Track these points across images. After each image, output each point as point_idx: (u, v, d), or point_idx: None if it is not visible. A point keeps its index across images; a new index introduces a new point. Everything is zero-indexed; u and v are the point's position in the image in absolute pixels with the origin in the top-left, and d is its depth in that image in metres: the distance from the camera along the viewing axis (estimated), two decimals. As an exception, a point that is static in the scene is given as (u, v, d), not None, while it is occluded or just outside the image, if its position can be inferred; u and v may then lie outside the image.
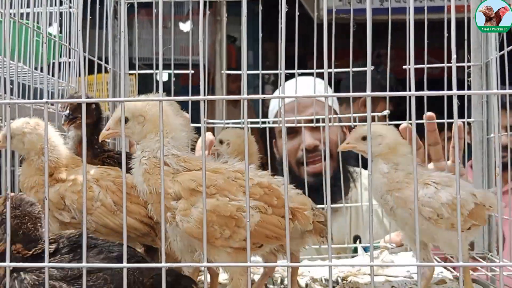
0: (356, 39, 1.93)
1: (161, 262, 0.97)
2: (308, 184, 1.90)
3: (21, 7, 1.75)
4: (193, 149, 1.34)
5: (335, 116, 2.32)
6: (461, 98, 1.94)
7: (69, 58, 1.95)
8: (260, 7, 1.94)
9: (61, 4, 1.91)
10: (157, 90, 1.59)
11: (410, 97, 0.94)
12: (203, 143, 1.14)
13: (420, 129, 1.73)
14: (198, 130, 1.36)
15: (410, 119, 1.27)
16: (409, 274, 1.67)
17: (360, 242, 2.07)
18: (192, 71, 1.85)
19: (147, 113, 1.12)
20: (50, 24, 1.93)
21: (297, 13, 1.93)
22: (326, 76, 0.95)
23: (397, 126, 1.92)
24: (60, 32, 1.90)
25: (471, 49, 1.93)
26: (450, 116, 1.76)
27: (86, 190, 1.01)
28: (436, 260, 1.92)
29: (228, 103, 2.37)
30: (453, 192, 1.24)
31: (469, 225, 1.30)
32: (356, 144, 1.35)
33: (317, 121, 2.36)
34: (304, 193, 1.29)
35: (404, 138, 1.46)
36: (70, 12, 1.93)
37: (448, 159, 1.86)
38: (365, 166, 1.71)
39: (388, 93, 1.08)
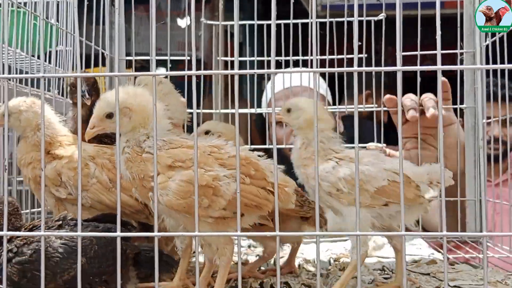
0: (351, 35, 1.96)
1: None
2: None
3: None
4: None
5: (331, 108, 2.35)
6: (453, 84, 2.00)
7: (66, 46, 1.98)
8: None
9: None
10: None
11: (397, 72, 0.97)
12: (195, 129, 1.14)
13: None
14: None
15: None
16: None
17: None
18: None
19: (133, 104, 1.11)
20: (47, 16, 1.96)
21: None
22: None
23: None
24: (57, 20, 1.93)
25: (464, 36, 1.96)
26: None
27: (81, 166, 1.03)
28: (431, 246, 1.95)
29: (225, 98, 2.40)
30: (360, 167, 1.14)
31: (380, 203, 1.22)
32: (283, 116, 1.35)
33: None
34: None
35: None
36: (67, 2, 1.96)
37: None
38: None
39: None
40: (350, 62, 2.03)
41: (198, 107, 2.02)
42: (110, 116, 1.12)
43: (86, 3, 1.80)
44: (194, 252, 1.42)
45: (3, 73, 1.46)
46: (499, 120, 2.45)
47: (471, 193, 1.96)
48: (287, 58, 2.01)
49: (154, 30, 0.95)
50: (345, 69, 0.97)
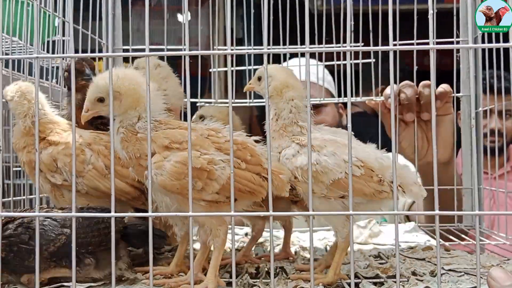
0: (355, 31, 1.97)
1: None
2: None
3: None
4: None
5: (331, 100, 2.36)
6: (450, 73, 2.00)
7: (63, 36, 1.98)
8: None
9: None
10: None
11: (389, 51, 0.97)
12: (188, 110, 1.14)
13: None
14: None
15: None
16: (397, 242, 1.69)
17: None
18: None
19: (121, 87, 1.11)
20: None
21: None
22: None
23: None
24: (55, 10, 1.93)
25: (460, 25, 1.96)
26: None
27: (77, 152, 1.04)
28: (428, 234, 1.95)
29: (225, 93, 2.40)
30: (318, 158, 1.17)
31: (336, 195, 1.18)
32: (254, 84, 1.33)
33: (315, 104, 2.39)
34: None
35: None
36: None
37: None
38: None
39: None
40: (356, 56, 2.04)
41: (196, 98, 2.03)
42: (101, 100, 1.14)
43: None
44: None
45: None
46: (495, 111, 2.47)
47: (467, 182, 1.97)
48: (285, 48, 2.00)
49: (147, 9, 0.95)
50: (339, 48, 0.97)
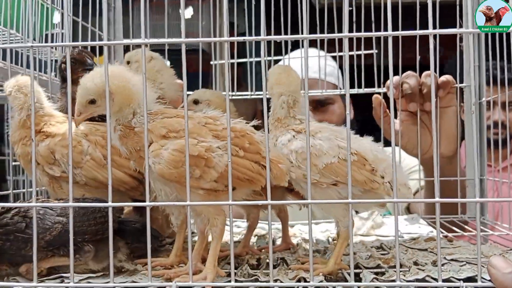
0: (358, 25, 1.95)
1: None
2: None
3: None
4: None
5: (336, 92, 2.34)
6: (453, 63, 1.99)
7: (62, 29, 1.98)
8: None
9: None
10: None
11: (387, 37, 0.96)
12: (185, 95, 1.13)
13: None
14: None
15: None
16: (399, 234, 1.68)
17: None
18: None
19: (111, 86, 1.08)
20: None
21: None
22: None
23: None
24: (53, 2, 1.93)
25: (463, 14, 1.94)
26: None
27: (74, 143, 1.03)
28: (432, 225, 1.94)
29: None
30: (313, 141, 1.17)
31: (328, 181, 1.18)
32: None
33: (322, 102, 2.38)
34: None
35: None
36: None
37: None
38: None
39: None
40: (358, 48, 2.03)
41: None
42: (93, 101, 1.13)
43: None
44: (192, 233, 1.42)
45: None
46: (499, 103, 2.45)
47: (471, 173, 1.96)
48: (283, 36, 1.99)
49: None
50: (337, 35, 0.96)
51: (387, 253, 1.42)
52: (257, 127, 1.23)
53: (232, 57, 2.22)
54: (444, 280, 1.01)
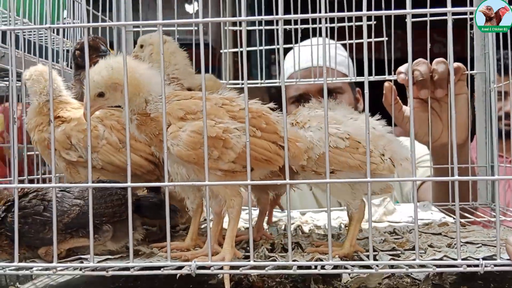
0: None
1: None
2: None
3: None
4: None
5: (345, 80, 2.33)
6: (463, 50, 1.98)
7: (74, 19, 1.98)
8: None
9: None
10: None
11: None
12: (202, 76, 1.13)
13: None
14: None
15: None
16: (411, 219, 1.69)
17: None
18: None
19: (119, 78, 1.09)
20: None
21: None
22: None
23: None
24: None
25: (473, 0, 1.93)
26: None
27: (90, 128, 1.04)
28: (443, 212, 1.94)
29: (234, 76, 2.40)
30: (304, 134, 1.19)
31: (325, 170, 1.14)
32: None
33: (330, 92, 2.37)
34: None
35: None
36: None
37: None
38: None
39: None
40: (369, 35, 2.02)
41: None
42: (101, 95, 1.13)
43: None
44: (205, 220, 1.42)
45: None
46: (510, 93, 2.44)
47: (482, 160, 1.95)
48: (296, 26, 2.00)
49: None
50: (354, 13, 0.96)
51: (401, 238, 1.42)
52: None
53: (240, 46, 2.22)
54: (463, 259, 1.01)
